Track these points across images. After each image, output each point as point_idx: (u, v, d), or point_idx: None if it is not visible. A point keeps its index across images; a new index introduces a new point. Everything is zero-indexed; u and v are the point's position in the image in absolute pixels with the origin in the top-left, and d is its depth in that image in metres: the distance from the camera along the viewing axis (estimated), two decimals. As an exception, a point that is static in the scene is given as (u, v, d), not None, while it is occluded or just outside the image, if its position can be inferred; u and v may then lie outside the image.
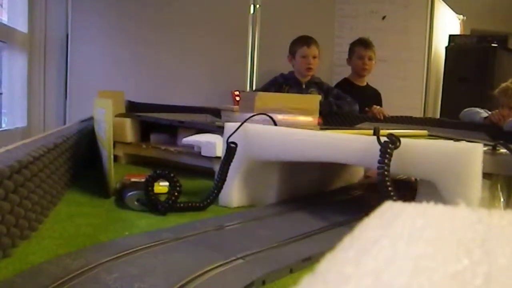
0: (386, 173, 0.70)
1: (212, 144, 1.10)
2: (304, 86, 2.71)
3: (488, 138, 1.85)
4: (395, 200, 0.66)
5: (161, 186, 0.87)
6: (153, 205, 0.80)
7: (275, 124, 0.96)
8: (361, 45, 2.97)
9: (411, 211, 0.34)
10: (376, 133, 0.75)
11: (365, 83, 3.03)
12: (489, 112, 2.52)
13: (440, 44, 3.91)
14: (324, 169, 1.02)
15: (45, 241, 0.62)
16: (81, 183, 1.00)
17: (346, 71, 3.17)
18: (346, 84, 2.97)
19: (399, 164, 0.72)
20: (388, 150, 0.70)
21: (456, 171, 0.69)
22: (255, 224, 0.74)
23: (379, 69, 3.07)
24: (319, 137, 0.82)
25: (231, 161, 0.85)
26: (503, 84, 2.57)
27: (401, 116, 2.57)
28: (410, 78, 3.74)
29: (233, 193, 0.87)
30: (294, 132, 0.84)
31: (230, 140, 0.85)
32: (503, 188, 0.85)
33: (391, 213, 0.34)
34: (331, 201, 0.96)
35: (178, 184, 0.80)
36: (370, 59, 2.95)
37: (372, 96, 2.97)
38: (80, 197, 0.89)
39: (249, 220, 0.75)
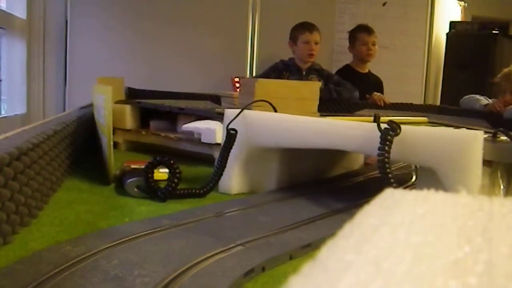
0: (386, 160, 0.70)
1: (212, 130, 1.10)
2: (304, 73, 2.70)
3: (488, 126, 1.85)
4: (395, 187, 0.66)
5: (161, 173, 0.87)
6: (153, 191, 0.80)
7: (275, 111, 0.95)
8: (364, 31, 2.96)
9: (412, 199, 0.34)
10: (376, 120, 0.75)
11: (367, 70, 3.02)
12: (490, 100, 2.51)
13: (440, 30, 3.89)
14: (324, 156, 1.02)
15: (45, 228, 0.63)
16: (81, 170, 1.00)
17: (346, 58, 3.16)
18: (348, 71, 2.96)
19: (399, 151, 0.72)
20: (389, 137, 0.70)
21: (456, 158, 0.69)
22: (255, 211, 0.74)
23: (379, 55, 3.06)
24: (319, 123, 0.81)
25: (231, 147, 0.85)
26: (505, 70, 2.55)
27: (401, 103, 2.56)
28: (410, 64, 3.73)
29: (233, 179, 0.87)
30: (294, 119, 0.84)
31: (230, 126, 0.85)
32: (503, 175, 0.85)
33: (392, 201, 0.34)
34: (331, 187, 0.96)
35: (178, 171, 0.80)
36: (373, 44, 2.94)
37: (374, 83, 2.96)
38: (80, 184, 0.90)
39: (248, 206, 0.75)
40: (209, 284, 0.45)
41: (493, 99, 2.53)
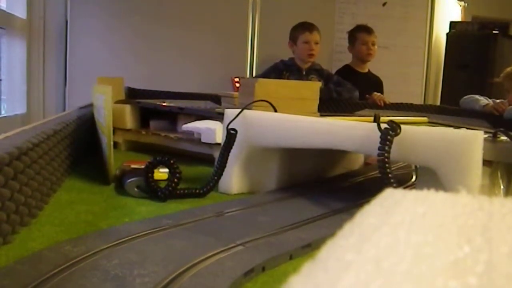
0: (386, 160, 0.70)
1: (212, 130, 1.10)
2: (304, 73, 2.70)
3: (488, 126, 1.85)
4: (395, 187, 0.66)
5: (161, 173, 0.87)
6: (153, 191, 0.80)
7: (275, 111, 0.95)
8: (364, 31, 2.96)
9: (412, 199, 0.34)
10: (376, 120, 0.75)
11: (366, 70, 3.02)
12: (489, 100, 2.51)
13: (441, 30, 3.89)
14: (324, 156, 1.02)
15: (45, 228, 0.63)
16: (81, 170, 1.00)
17: (346, 58, 3.16)
18: (347, 71, 2.96)
19: (399, 151, 0.72)
20: (389, 137, 0.70)
21: (456, 158, 0.69)
22: (255, 211, 0.74)
23: (379, 55, 3.06)
24: (319, 123, 0.81)
25: (231, 147, 0.85)
26: (508, 69, 2.55)
27: (402, 103, 2.56)
28: (410, 65, 3.73)
29: (233, 179, 0.87)
30: (294, 119, 0.84)
31: (230, 126, 0.85)
32: (503, 175, 0.85)
33: (392, 200, 0.34)
34: (331, 187, 0.96)
35: (178, 171, 0.80)
36: (373, 44, 2.94)
37: (374, 83, 2.96)
38: (80, 183, 0.90)
39: (248, 206, 0.75)
40: (209, 284, 0.45)
41: (493, 99, 2.52)
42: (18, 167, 0.60)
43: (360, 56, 2.97)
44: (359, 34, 2.96)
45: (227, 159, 0.85)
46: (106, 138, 0.90)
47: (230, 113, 0.87)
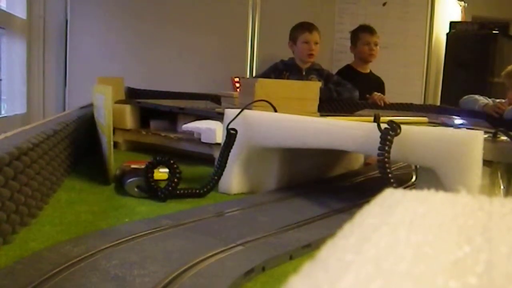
0: (386, 160, 0.70)
1: (212, 130, 1.10)
2: (304, 73, 2.70)
3: (488, 126, 1.85)
4: (395, 187, 0.66)
5: (161, 173, 0.87)
6: (153, 191, 0.80)
7: (275, 111, 0.95)
8: (367, 31, 2.95)
9: (412, 198, 0.34)
10: (376, 120, 0.75)
11: (368, 70, 3.02)
12: (489, 99, 2.51)
13: (441, 30, 3.89)
14: (324, 156, 1.02)
15: (45, 228, 0.63)
16: (81, 170, 1.00)
17: (346, 58, 3.15)
18: (349, 71, 2.96)
19: (399, 151, 0.72)
20: (389, 137, 0.70)
21: (456, 158, 0.69)
22: (255, 211, 0.74)
23: (379, 55, 3.06)
24: (320, 123, 0.81)
25: (231, 147, 0.85)
26: (509, 67, 2.54)
27: (402, 103, 2.56)
28: (410, 64, 3.73)
29: (233, 179, 0.87)
30: (294, 119, 0.84)
31: (230, 126, 0.85)
32: (503, 175, 0.85)
33: (392, 200, 0.34)
34: (331, 187, 0.96)
35: (178, 171, 0.80)
36: (375, 45, 2.94)
37: (375, 84, 2.96)
38: (80, 183, 0.89)
39: (248, 206, 0.75)
40: (209, 284, 0.45)
41: (492, 98, 2.52)
42: (18, 167, 0.60)
43: (362, 56, 2.96)
44: (361, 34, 2.96)
45: (227, 159, 0.85)
46: (106, 138, 0.90)
47: (230, 113, 0.87)
